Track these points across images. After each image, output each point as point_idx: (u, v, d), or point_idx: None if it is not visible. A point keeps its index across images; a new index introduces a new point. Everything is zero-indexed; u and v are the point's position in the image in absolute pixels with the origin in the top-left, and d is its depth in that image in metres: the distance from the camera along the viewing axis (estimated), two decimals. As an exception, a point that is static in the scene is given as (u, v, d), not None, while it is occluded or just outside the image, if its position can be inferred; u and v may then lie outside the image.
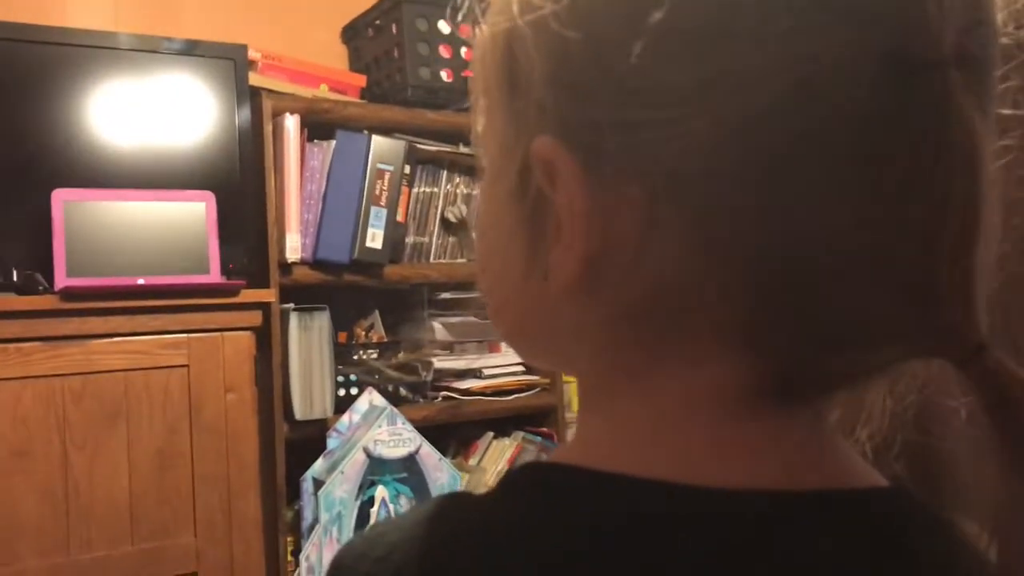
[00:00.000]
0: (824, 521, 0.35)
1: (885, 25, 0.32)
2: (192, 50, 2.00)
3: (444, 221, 2.29)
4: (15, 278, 1.68)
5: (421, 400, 2.23)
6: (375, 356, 2.20)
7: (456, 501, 0.40)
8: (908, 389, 0.40)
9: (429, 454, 2.07)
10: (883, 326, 0.35)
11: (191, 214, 1.88)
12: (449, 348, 2.31)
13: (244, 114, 2.01)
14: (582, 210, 0.36)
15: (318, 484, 1.98)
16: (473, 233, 0.49)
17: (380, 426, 2.03)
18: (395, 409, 2.06)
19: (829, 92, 0.32)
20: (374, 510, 2.01)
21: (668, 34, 0.33)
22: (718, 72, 0.33)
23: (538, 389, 2.35)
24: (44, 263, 1.74)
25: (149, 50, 1.97)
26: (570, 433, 2.35)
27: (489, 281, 0.44)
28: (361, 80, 2.28)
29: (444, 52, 2.21)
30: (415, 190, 2.24)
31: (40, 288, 1.69)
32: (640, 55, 0.34)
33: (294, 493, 2.01)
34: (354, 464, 1.99)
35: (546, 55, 0.37)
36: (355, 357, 2.17)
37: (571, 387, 2.36)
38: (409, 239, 2.24)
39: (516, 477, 0.39)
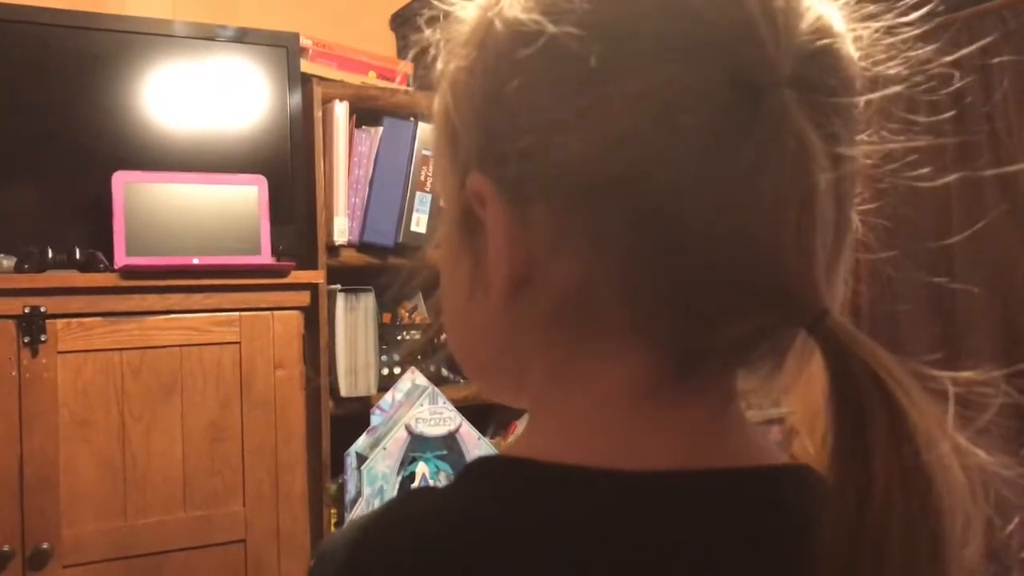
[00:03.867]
0: (726, 497, 0.41)
1: (730, 57, 0.39)
2: (245, 38, 2.07)
3: (487, 206, 2.34)
4: (78, 256, 1.76)
5: (462, 381, 2.29)
6: (418, 337, 2.26)
7: (421, 491, 0.47)
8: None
9: (469, 433, 2.13)
10: (744, 301, 0.40)
11: (244, 197, 1.95)
12: (490, 330, 2.37)
13: (295, 100, 2.08)
14: (504, 232, 0.43)
15: (361, 459, 2.05)
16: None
17: (422, 405, 2.10)
18: (437, 389, 2.12)
19: (685, 112, 0.39)
20: (415, 486, 2.08)
21: (547, 75, 0.41)
22: (592, 102, 0.40)
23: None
24: (105, 242, 1.82)
25: (204, 38, 2.03)
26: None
27: (444, 304, 0.50)
28: (408, 68, 2.33)
29: (490, 41, 2.25)
30: (459, 176, 2.29)
31: (101, 266, 1.77)
32: (526, 94, 0.41)
33: (338, 467, 2.08)
34: (396, 441, 2.06)
35: (464, 104, 0.45)
36: (399, 338, 2.23)
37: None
38: (453, 223, 2.29)
39: (468, 469, 0.46)
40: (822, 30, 0.41)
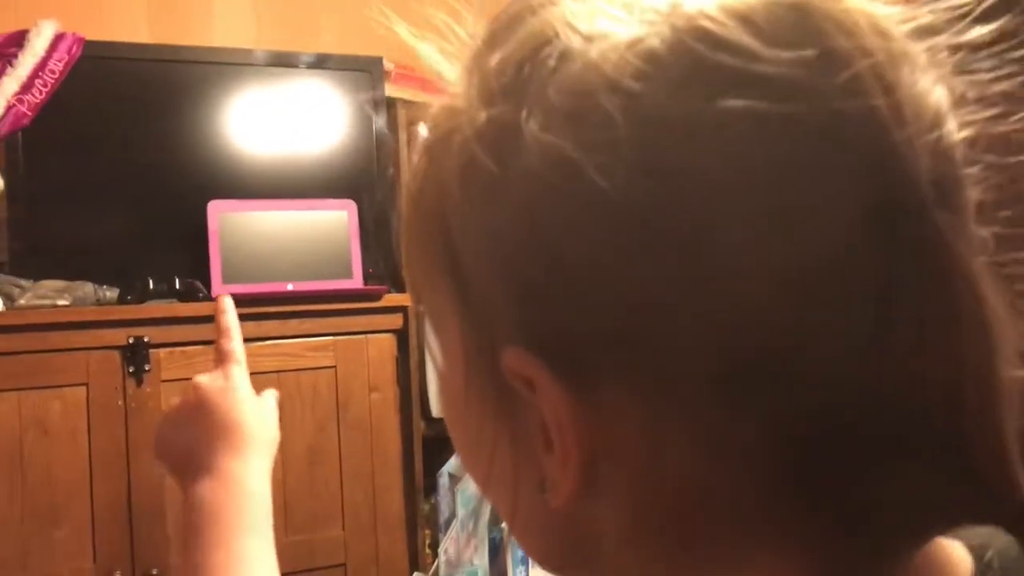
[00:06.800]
0: None
1: (868, 187, 0.29)
2: (329, 63, 2.09)
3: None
4: (177, 286, 1.79)
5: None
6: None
7: None
8: None
9: (560, 451, 2.11)
10: (921, 503, 0.32)
11: (334, 222, 1.97)
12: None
13: (380, 124, 2.09)
14: (570, 421, 0.32)
15: (454, 480, 2.04)
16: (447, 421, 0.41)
17: (513, 424, 2.08)
18: (527, 407, 2.11)
19: (830, 277, 0.29)
20: (508, 505, 2.06)
21: (649, 245, 0.30)
22: (707, 270, 0.30)
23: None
24: (202, 270, 1.85)
25: (289, 65, 2.06)
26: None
27: (480, 480, 0.39)
28: (488, 86, 2.33)
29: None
30: (542, 192, 2.28)
31: (199, 295, 1.80)
32: (619, 266, 0.30)
33: (430, 487, 2.08)
34: (488, 461, 2.05)
35: (499, 265, 0.33)
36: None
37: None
38: (537, 240, 2.29)
39: None
40: (941, 119, 0.31)
